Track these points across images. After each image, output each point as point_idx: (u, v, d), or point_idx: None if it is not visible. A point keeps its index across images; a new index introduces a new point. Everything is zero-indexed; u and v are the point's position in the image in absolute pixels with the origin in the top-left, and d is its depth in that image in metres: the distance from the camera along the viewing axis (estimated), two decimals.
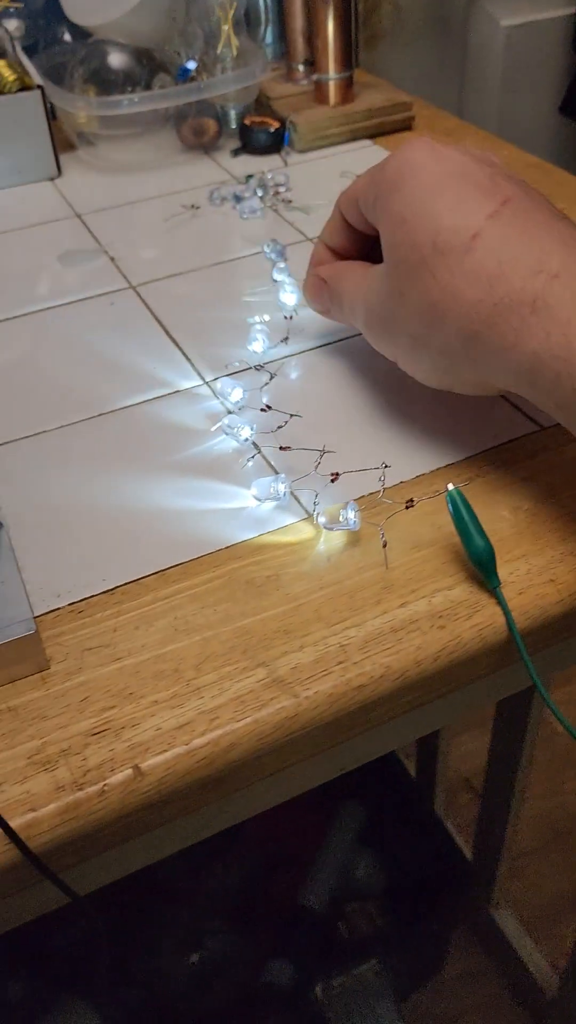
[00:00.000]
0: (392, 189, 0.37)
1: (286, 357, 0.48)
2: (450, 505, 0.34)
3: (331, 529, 0.37)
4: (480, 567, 0.33)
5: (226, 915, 0.88)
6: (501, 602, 0.33)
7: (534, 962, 1.04)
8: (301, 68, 0.77)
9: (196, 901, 0.88)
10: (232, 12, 0.70)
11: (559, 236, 0.34)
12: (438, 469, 0.40)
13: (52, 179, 0.70)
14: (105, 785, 0.29)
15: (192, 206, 0.64)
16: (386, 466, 0.39)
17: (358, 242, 0.44)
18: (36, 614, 0.35)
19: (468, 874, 1.01)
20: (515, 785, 0.88)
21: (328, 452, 0.40)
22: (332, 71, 0.72)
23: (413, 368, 0.39)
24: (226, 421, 0.42)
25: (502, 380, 0.35)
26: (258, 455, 0.41)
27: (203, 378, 0.47)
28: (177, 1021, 0.86)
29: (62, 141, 0.73)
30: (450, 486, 0.34)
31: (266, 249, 0.57)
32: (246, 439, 0.41)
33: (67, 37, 0.75)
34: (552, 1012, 1.00)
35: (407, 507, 0.36)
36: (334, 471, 0.39)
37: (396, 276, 0.37)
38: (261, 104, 0.75)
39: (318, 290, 0.45)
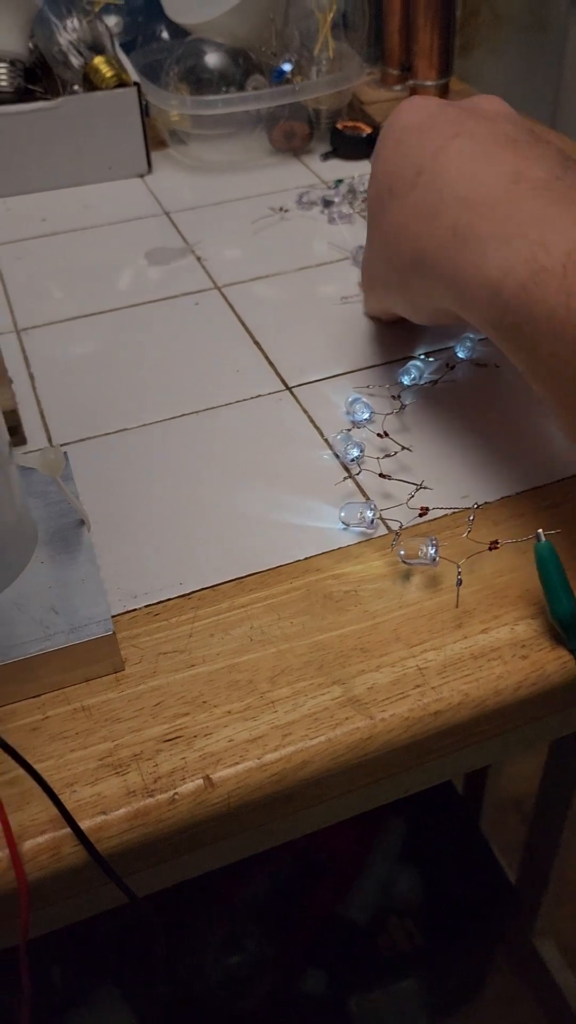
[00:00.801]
0: (374, 157, 0.42)
1: (419, 386, 0.46)
2: (537, 561, 0.32)
3: (409, 564, 0.36)
4: (563, 628, 0.32)
5: (266, 920, 0.88)
6: None
7: (573, 994, 1.02)
8: (396, 73, 0.77)
9: (237, 904, 0.87)
10: (331, 15, 0.69)
11: (497, 165, 0.35)
12: (524, 492, 0.39)
13: (142, 176, 0.70)
14: (176, 794, 0.29)
15: (280, 209, 0.64)
16: (477, 506, 0.38)
17: None
18: (112, 614, 0.35)
19: (511, 899, 0.99)
20: (567, 816, 0.86)
21: (424, 488, 0.39)
22: (429, 77, 0.71)
23: (399, 309, 0.43)
24: (339, 437, 0.42)
25: (448, 305, 0.37)
26: (350, 479, 0.40)
27: (286, 384, 0.47)
28: (209, 1021, 0.86)
29: (153, 138, 0.73)
30: (541, 534, 0.33)
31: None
32: (352, 459, 0.41)
33: (164, 35, 0.76)
34: None
35: (491, 548, 0.35)
36: (424, 505, 0.38)
37: (369, 228, 0.43)
38: (353, 108, 0.75)
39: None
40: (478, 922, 0.96)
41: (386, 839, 0.97)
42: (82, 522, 0.36)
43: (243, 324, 0.52)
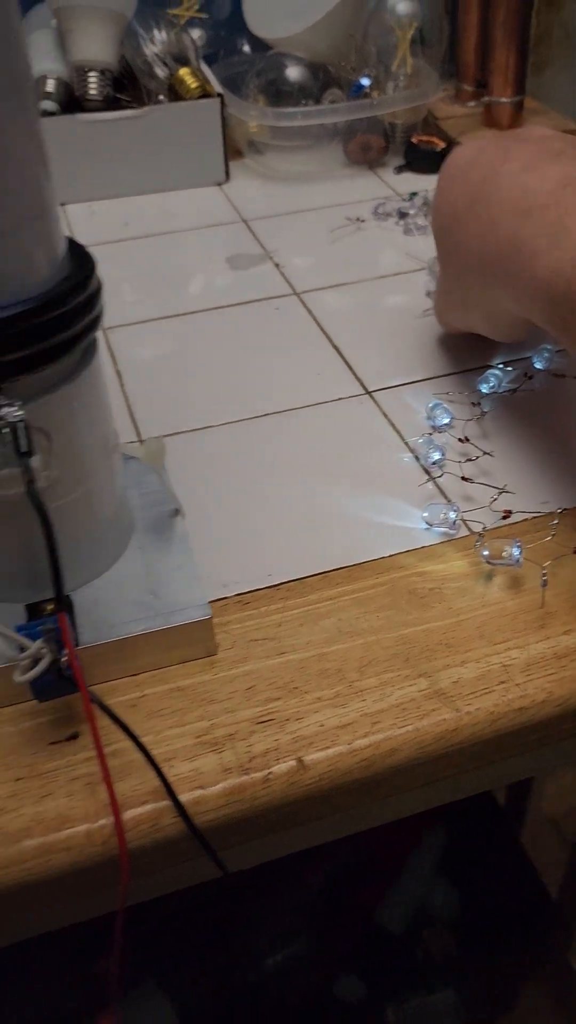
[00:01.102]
0: (435, 195, 0.45)
1: (499, 394, 0.47)
2: None
3: (493, 565, 0.37)
4: None
5: (307, 921, 0.89)
6: None
7: None
8: (471, 90, 0.78)
9: (283, 901, 0.88)
10: (410, 32, 0.71)
11: (545, 175, 0.37)
12: None
13: (220, 184, 0.72)
14: (270, 773, 0.30)
15: (356, 219, 0.65)
16: (562, 510, 0.39)
17: None
18: None
19: (550, 915, 0.98)
20: None
21: (507, 492, 0.40)
22: (504, 95, 0.72)
23: (481, 327, 0.44)
24: (420, 440, 0.43)
25: (516, 310, 0.39)
26: (431, 481, 0.41)
27: (366, 388, 0.48)
28: (246, 1019, 0.86)
29: (231, 148, 0.75)
30: None
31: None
32: (434, 462, 0.42)
33: (246, 48, 0.77)
34: None
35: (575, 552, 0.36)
36: (507, 508, 0.39)
37: (439, 257, 0.45)
38: (428, 123, 0.76)
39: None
40: (516, 936, 0.96)
41: (427, 848, 0.97)
42: (177, 511, 0.37)
43: (322, 329, 0.53)
